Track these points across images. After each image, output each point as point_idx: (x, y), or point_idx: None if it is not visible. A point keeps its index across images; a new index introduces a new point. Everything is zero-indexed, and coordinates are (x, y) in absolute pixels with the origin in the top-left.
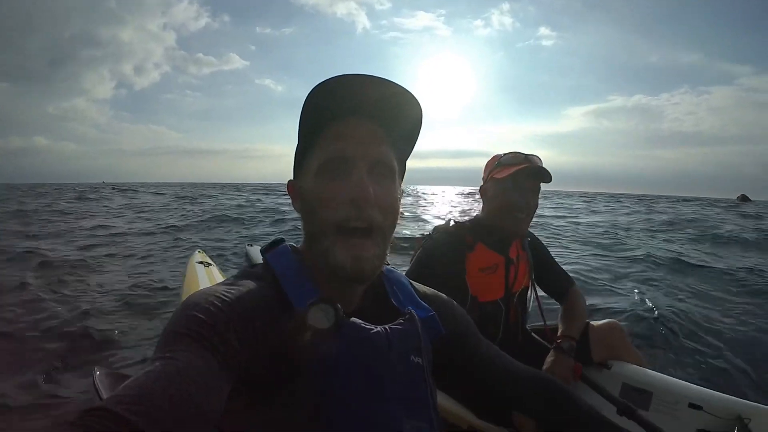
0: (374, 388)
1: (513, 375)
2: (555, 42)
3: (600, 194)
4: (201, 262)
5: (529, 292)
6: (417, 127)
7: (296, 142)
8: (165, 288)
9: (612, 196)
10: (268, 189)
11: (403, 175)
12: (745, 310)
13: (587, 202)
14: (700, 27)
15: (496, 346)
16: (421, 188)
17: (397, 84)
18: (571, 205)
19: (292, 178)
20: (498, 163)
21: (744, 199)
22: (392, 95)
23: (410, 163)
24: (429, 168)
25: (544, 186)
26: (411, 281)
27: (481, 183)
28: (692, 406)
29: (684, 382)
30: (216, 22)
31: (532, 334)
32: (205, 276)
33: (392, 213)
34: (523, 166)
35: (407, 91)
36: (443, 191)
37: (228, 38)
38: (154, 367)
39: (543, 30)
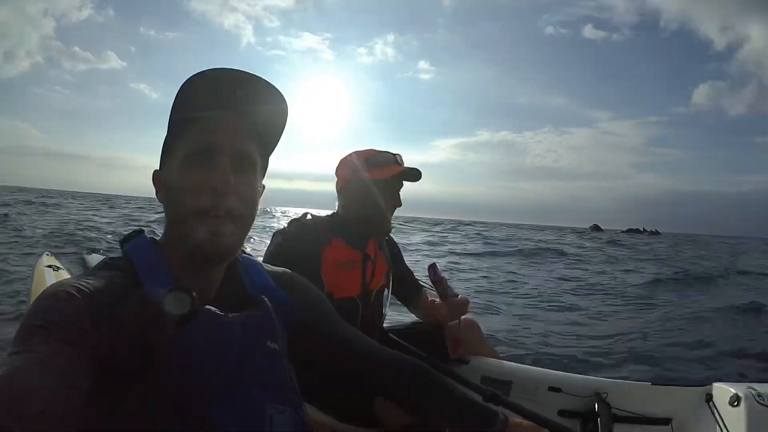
0: (233, 374)
1: (376, 357)
2: (433, 76)
3: (474, 222)
4: (50, 266)
5: (386, 291)
6: (281, 124)
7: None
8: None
9: (474, 223)
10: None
11: (265, 171)
12: (572, 303)
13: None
14: (567, 74)
15: None
16: (287, 209)
17: (264, 81)
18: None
19: (157, 169)
20: (370, 162)
21: (596, 228)
22: (259, 91)
23: (276, 184)
24: (296, 189)
25: (412, 213)
26: (267, 265)
27: (338, 181)
28: (552, 389)
29: (542, 369)
30: (100, 15)
31: (389, 333)
32: (55, 281)
33: (252, 204)
34: (401, 169)
35: (274, 88)
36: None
37: (109, 35)
38: (11, 363)
39: (422, 64)
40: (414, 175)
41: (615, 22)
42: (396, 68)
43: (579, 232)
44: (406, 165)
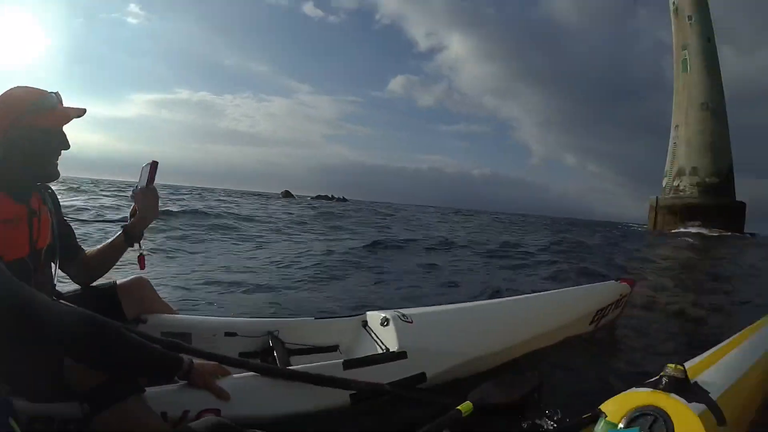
0: None
1: (55, 317)
2: (141, 22)
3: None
4: None
5: (55, 249)
6: None
7: None
8: None
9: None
10: None
11: None
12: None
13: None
14: (277, 44)
15: None
16: None
17: None
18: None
19: None
20: (32, 107)
21: (287, 194)
22: None
23: None
24: None
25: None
26: None
27: None
28: (228, 334)
29: (219, 318)
30: None
31: (61, 299)
32: None
33: None
34: (68, 115)
35: None
36: None
37: None
38: None
39: (133, 6)
40: (79, 113)
41: (335, 5)
42: (102, 6)
43: (269, 197)
44: (87, 116)
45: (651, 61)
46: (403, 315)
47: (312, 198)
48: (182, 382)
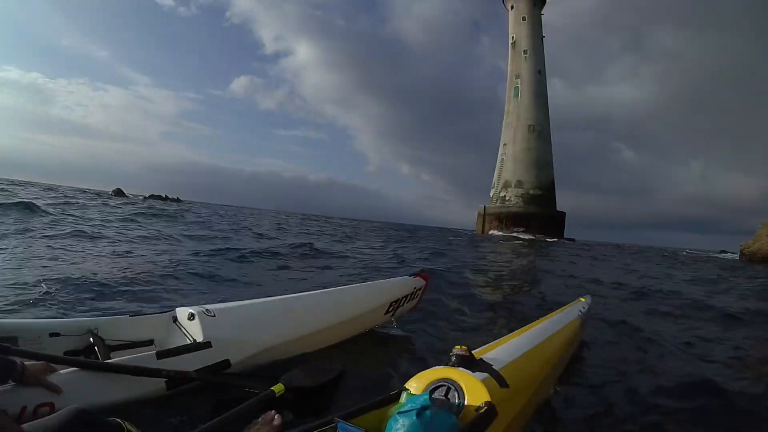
0: None
1: None
2: None
3: None
4: None
5: None
6: None
7: None
8: None
9: None
10: None
11: None
12: None
13: None
14: (121, 29)
15: None
16: None
17: None
18: None
19: None
20: None
21: (119, 192)
22: None
23: None
24: None
25: None
26: None
27: None
28: (53, 335)
29: (42, 320)
30: None
31: None
32: None
33: None
34: None
35: None
36: None
37: None
38: None
39: None
40: None
41: None
42: None
43: (98, 195)
44: None
45: (487, 85)
46: (207, 310)
47: (145, 197)
48: (12, 384)
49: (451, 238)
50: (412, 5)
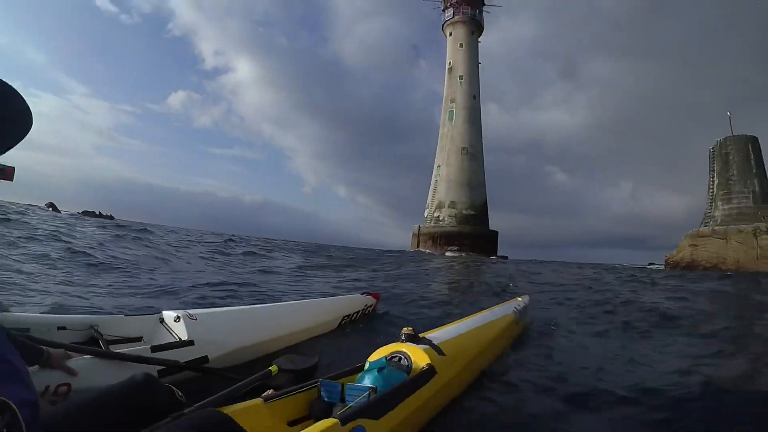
0: None
1: None
2: None
3: None
4: None
5: None
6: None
7: None
8: None
9: None
10: None
11: None
12: None
13: None
14: (59, 31)
15: None
16: None
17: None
18: None
19: None
20: None
21: (53, 207)
22: None
23: None
24: None
25: None
26: None
27: None
28: (60, 328)
29: (48, 315)
30: None
31: None
32: None
33: None
34: None
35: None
36: None
37: None
38: None
39: None
40: None
41: (130, 5)
42: None
43: (28, 208)
44: None
45: (423, 108)
46: (190, 314)
47: (79, 213)
48: (38, 367)
49: (386, 257)
50: (355, 26)
